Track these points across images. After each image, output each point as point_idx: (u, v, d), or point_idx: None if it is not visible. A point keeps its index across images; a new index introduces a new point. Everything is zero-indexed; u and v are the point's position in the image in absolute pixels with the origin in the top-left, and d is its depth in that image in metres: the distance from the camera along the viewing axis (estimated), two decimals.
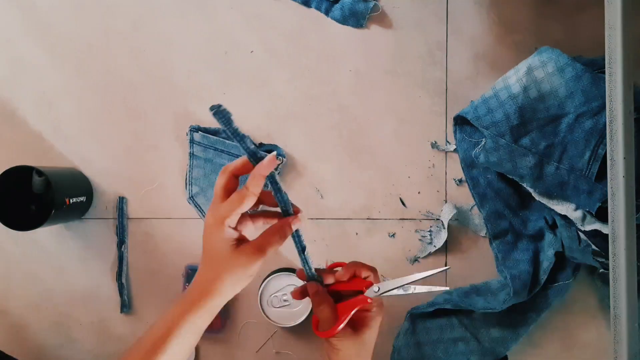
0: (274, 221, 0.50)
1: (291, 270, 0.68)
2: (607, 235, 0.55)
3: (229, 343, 0.72)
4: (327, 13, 0.72)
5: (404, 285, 0.52)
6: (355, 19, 0.71)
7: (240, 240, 0.49)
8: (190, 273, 0.70)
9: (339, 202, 0.71)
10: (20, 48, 0.73)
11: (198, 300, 0.48)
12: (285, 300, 0.66)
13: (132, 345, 0.49)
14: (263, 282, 0.67)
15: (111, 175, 0.73)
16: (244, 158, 0.47)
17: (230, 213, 0.47)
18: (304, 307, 0.66)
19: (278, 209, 0.50)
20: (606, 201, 0.51)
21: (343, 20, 0.71)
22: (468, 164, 0.69)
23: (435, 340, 0.68)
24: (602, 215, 0.60)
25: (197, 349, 0.71)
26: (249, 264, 0.48)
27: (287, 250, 0.70)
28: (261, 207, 0.52)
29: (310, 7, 0.72)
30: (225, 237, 0.48)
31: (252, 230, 0.51)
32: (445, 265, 0.70)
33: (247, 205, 0.47)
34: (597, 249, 0.61)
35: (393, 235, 0.71)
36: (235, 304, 0.71)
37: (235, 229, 0.48)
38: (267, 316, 0.66)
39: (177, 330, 0.47)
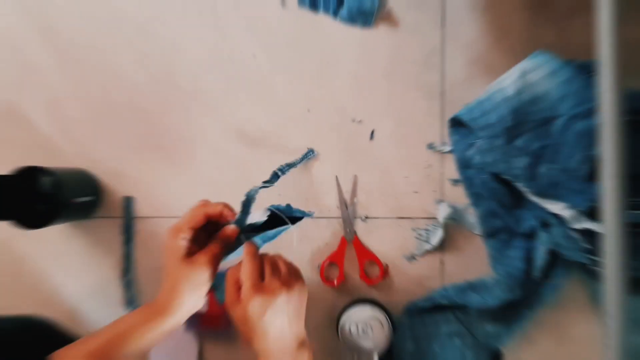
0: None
1: (375, 302, 0.70)
2: (599, 233, 0.56)
3: (233, 344, 0.72)
4: (335, 15, 0.71)
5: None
6: (364, 17, 0.70)
7: (192, 252, 0.54)
8: None
9: (337, 202, 0.72)
10: (30, 53, 0.74)
11: (163, 311, 0.53)
12: (364, 332, 0.67)
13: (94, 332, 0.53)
14: (346, 309, 0.69)
15: (118, 175, 0.73)
16: (225, 208, 0.56)
17: (184, 226, 0.54)
18: (375, 343, 0.67)
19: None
20: (598, 200, 0.53)
21: (351, 20, 0.70)
22: (463, 165, 0.69)
23: (431, 334, 0.68)
24: (594, 214, 0.61)
25: (201, 350, 0.72)
26: (201, 272, 0.53)
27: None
28: None
29: (318, 10, 0.71)
30: (178, 245, 0.53)
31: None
32: (441, 263, 0.72)
33: (195, 223, 0.54)
34: (589, 247, 0.62)
35: (390, 234, 0.72)
36: None
37: (189, 241, 0.54)
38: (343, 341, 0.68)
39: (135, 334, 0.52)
